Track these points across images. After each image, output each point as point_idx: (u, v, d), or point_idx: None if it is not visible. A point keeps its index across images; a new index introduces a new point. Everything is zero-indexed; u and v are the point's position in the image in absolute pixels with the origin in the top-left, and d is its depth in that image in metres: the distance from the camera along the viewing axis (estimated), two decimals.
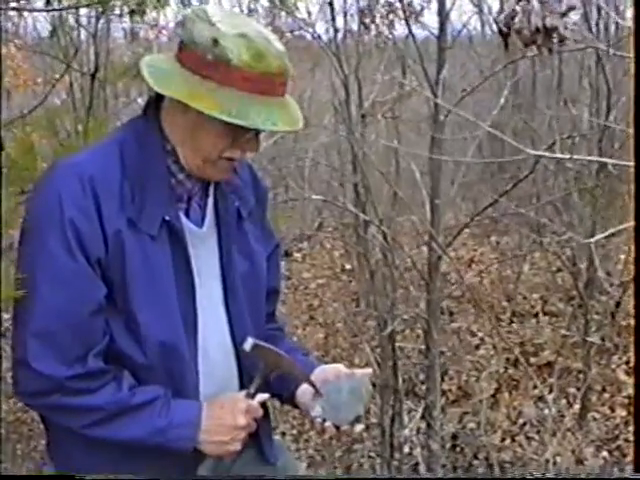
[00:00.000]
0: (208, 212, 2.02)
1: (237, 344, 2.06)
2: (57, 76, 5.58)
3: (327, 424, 2.01)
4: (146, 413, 1.89)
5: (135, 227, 1.85)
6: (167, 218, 1.88)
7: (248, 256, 2.08)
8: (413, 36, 3.87)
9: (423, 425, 3.97)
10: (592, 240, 2.22)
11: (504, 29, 2.40)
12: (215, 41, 1.79)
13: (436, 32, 3.61)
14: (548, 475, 3.83)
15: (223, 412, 1.94)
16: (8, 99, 5.77)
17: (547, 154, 2.80)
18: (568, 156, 2.98)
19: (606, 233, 2.00)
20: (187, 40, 1.83)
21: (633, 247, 2.19)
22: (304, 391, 2.09)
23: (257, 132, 1.90)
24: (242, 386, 2.08)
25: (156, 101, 1.95)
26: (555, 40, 2.29)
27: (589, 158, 2.50)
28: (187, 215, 1.97)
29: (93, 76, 4.99)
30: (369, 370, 2.10)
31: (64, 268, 1.81)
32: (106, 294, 1.85)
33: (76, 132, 4.97)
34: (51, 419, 1.97)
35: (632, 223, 2.21)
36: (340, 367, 2.09)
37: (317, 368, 2.12)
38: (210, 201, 2.03)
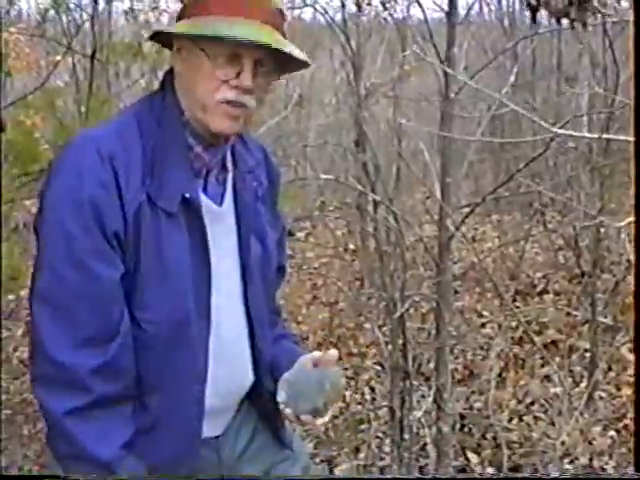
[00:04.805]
0: (228, 190, 2.00)
1: (254, 327, 2.06)
2: (59, 58, 5.57)
3: (287, 411, 2.01)
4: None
5: (153, 204, 1.82)
6: (187, 195, 1.86)
7: (261, 239, 2.07)
8: (425, 14, 3.84)
9: (432, 406, 3.96)
10: (622, 224, 2.19)
11: (533, 1, 2.34)
12: None
13: (446, 8, 3.57)
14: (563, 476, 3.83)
15: None
16: (11, 82, 5.75)
17: (572, 132, 2.76)
18: (597, 135, 2.92)
19: None
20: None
21: (633, 231, 2.17)
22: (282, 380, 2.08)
23: (244, 67, 1.85)
24: (255, 371, 2.09)
25: (171, 75, 1.94)
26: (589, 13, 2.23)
27: (622, 138, 2.46)
28: (205, 191, 1.94)
29: (92, 57, 4.99)
30: (334, 352, 2.03)
31: (81, 247, 1.77)
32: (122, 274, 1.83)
33: (79, 113, 4.97)
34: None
35: (632, 218, 2.19)
36: (316, 354, 2.05)
37: (301, 356, 2.08)
38: (229, 178, 2.01)
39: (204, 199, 1.93)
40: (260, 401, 2.14)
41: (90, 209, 1.76)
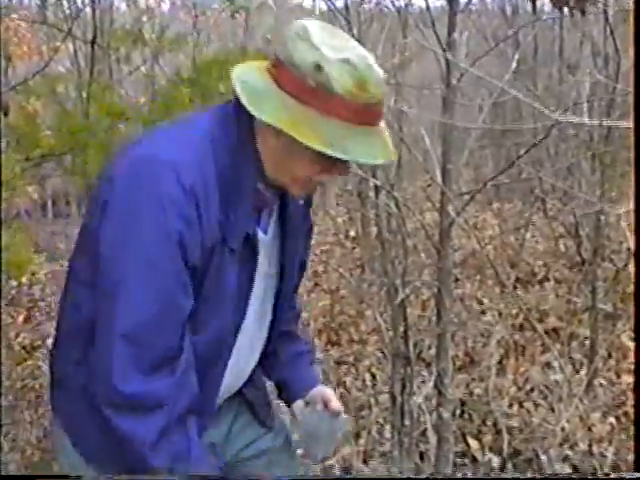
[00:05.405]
0: (273, 218, 2.03)
1: (267, 346, 2.20)
2: (59, 44, 5.57)
3: (298, 451, 2.16)
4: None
5: (224, 242, 1.83)
6: (249, 233, 1.88)
7: (292, 253, 2.13)
8: (426, 1, 3.83)
9: (433, 392, 3.98)
10: (622, 211, 2.19)
11: None
12: (318, 67, 1.72)
13: None
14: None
15: None
16: (12, 68, 5.75)
17: (573, 118, 2.76)
18: (598, 121, 2.92)
19: None
20: (286, 60, 1.76)
21: (633, 219, 2.18)
22: (296, 408, 2.21)
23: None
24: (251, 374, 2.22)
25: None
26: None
27: (623, 124, 2.45)
28: (257, 223, 1.96)
29: (93, 42, 4.99)
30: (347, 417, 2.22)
31: (167, 277, 1.77)
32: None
33: (80, 99, 4.97)
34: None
35: (632, 206, 2.20)
36: (327, 395, 2.19)
37: (313, 389, 2.22)
38: (276, 207, 2.03)
39: (259, 232, 1.96)
40: (245, 392, 2.24)
41: (176, 241, 1.74)
